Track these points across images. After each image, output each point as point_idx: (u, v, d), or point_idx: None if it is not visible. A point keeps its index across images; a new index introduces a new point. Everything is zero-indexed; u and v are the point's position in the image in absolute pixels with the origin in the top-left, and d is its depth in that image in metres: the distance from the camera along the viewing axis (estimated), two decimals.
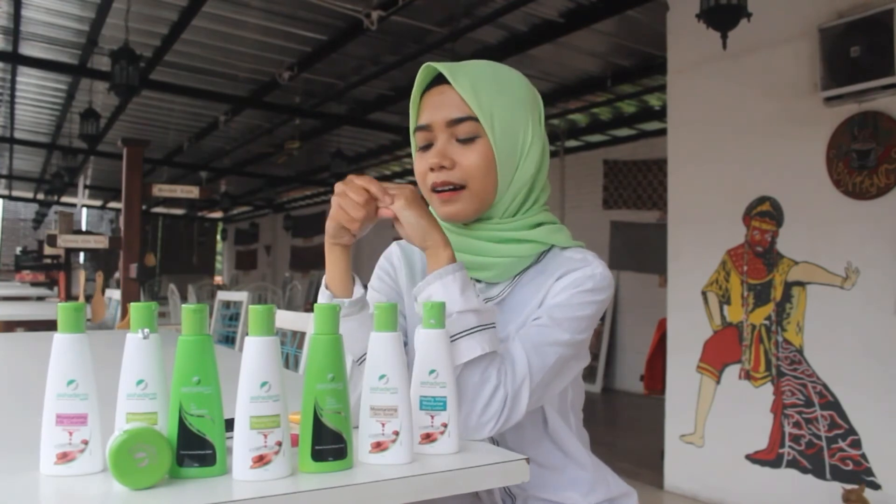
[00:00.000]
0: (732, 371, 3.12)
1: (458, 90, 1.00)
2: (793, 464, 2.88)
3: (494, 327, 0.95)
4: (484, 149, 1.01)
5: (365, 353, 0.96)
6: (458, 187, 1.02)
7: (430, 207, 1.10)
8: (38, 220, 13.35)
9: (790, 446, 2.89)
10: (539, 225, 1.06)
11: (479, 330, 0.93)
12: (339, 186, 0.95)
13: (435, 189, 1.03)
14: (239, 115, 6.40)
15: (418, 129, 1.05)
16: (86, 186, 10.75)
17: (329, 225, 0.98)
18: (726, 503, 3.10)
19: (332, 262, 1.00)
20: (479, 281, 1.08)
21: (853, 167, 2.73)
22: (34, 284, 9.80)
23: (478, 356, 0.92)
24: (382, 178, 11.51)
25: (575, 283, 1.01)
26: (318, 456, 0.75)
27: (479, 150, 1.01)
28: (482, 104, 1.00)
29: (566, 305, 1.00)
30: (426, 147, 1.05)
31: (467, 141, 1.02)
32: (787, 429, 2.90)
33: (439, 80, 1.04)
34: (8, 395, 1.43)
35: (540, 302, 1.02)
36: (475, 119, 1.00)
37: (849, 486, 2.59)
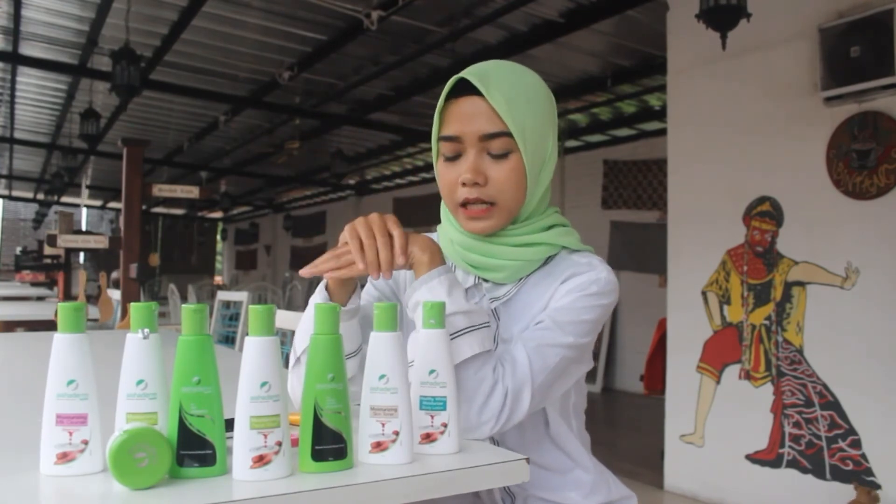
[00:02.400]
0: (732, 371, 3.12)
1: (493, 104, 0.98)
2: (793, 464, 2.88)
3: (487, 326, 0.96)
4: (516, 164, 1.00)
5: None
6: (488, 203, 1.01)
7: (450, 220, 1.09)
8: (38, 220, 13.35)
9: (790, 446, 2.89)
10: (550, 227, 1.06)
11: (469, 331, 0.93)
12: (360, 229, 0.92)
13: (467, 204, 1.02)
14: (239, 115, 6.40)
15: (447, 138, 1.02)
16: (86, 186, 10.76)
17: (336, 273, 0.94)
18: (726, 503, 3.10)
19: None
20: (486, 281, 1.08)
21: (853, 167, 2.73)
22: (34, 284, 9.79)
23: (471, 356, 0.92)
24: (382, 178, 11.32)
25: (579, 286, 1.01)
26: (318, 456, 0.75)
27: (510, 165, 1.00)
28: (515, 119, 0.98)
29: (570, 309, 1.00)
30: (454, 158, 1.03)
31: (500, 157, 1.00)
32: (787, 429, 2.90)
33: (467, 88, 1.00)
34: (8, 395, 1.43)
35: (545, 304, 1.03)
36: (509, 135, 0.99)
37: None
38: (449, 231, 1.10)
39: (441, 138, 1.03)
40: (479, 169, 1.00)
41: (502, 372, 0.94)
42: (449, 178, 1.03)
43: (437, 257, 0.97)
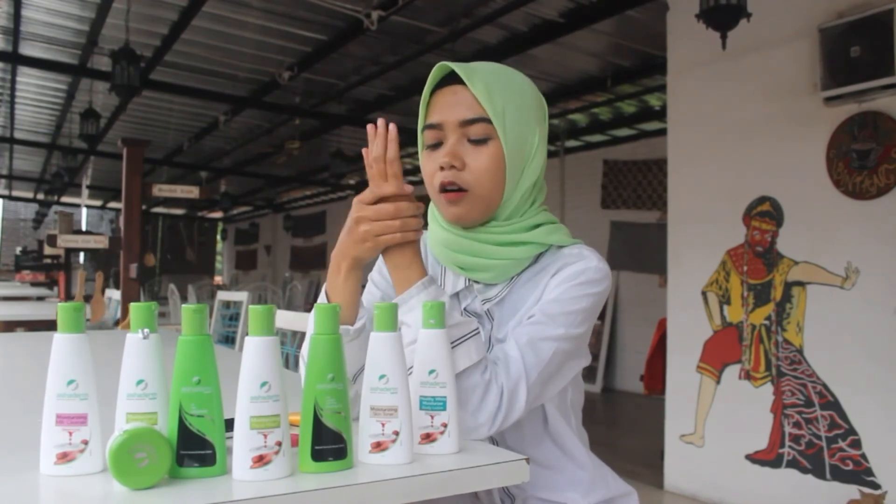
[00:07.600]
0: (732, 371, 3.12)
1: (473, 91, 0.99)
2: (793, 464, 2.88)
3: (478, 333, 0.95)
4: (495, 151, 1.01)
5: (358, 371, 0.96)
6: (462, 189, 1.01)
7: (436, 218, 1.10)
8: (38, 220, 13.35)
9: (790, 446, 2.89)
10: (537, 226, 1.06)
11: (460, 343, 0.92)
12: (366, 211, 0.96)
13: (443, 188, 1.02)
14: (239, 115, 6.40)
15: (428, 127, 1.04)
16: (86, 186, 10.78)
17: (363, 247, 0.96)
18: (726, 503, 3.10)
19: (346, 287, 0.98)
20: (477, 282, 1.08)
21: (853, 167, 2.73)
22: (34, 284, 9.80)
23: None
24: None
25: (569, 277, 1.01)
26: (318, 456, 0.75)
27: (489, 152, 1.01)
28: (495, 106, 0.99)
29: (560, 300, 0.99)
30: (435, 146, 1.04)
31: (479, 142, 1.01)
32: (787, 429, 2.90)
33: (451, 79, 1.03)
34: (8, 395, 1.43)
35: (537, 300, 1.02)
36: (488, 121, 1.00)
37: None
38: (436, 232, 1.09)
39: (424, 127, 1.05)
40: (456, 153, 1.01)
41: (495, 371, 0.94)
42: (430, 167, 1.05)
43: (414, 268, 0.97)
